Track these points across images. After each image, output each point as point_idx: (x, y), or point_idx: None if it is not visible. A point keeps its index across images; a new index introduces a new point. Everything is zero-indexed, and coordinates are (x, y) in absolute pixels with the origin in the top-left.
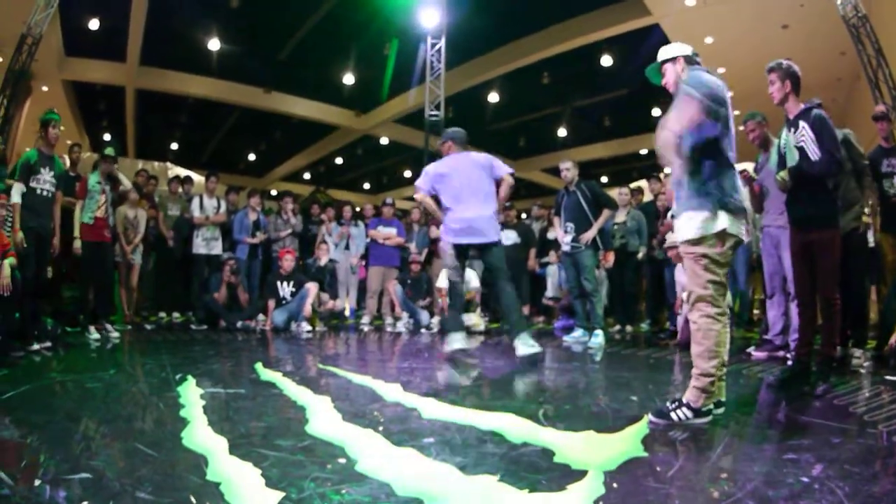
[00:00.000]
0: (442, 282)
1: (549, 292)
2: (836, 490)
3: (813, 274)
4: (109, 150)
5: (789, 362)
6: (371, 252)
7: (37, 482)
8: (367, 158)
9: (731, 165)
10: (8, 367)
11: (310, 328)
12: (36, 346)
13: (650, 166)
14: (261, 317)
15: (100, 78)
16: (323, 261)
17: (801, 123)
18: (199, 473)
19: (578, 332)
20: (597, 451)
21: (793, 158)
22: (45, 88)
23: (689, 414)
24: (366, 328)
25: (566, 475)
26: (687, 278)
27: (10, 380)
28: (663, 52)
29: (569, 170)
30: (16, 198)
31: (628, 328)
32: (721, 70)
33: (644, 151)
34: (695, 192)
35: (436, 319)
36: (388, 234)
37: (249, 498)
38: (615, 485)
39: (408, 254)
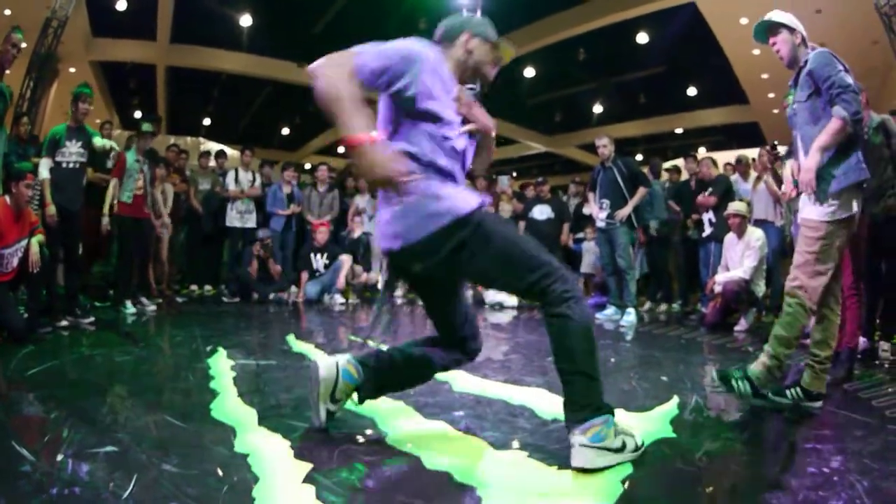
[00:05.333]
0: None
1: (584, 268)
2: (856, 484)
3: None
4: (147, 127)
5: None
6: None
7: (59, 457)
8: None
9: None
10: (34, 343)
11: (343, 300)
12: (64, 323)
13: (685, 145)
14: (293, 289)
15: (129, 57)
16: (357, 233)
17: None
18: (228, 445)
19: (611, 310)
20: None
21: None
22: (72, 70)
23: None
24: (398, 301)
25: None
26: None
27: (37, 356)
28: (780, 16)
29: (606, 146)
30: (44, 173)
31: (662, 307)
32: (756, 52)
33: (679, 130)
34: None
35: (469, 293)
36: None
37: (278, 470)
38: (643, 465)
39: None
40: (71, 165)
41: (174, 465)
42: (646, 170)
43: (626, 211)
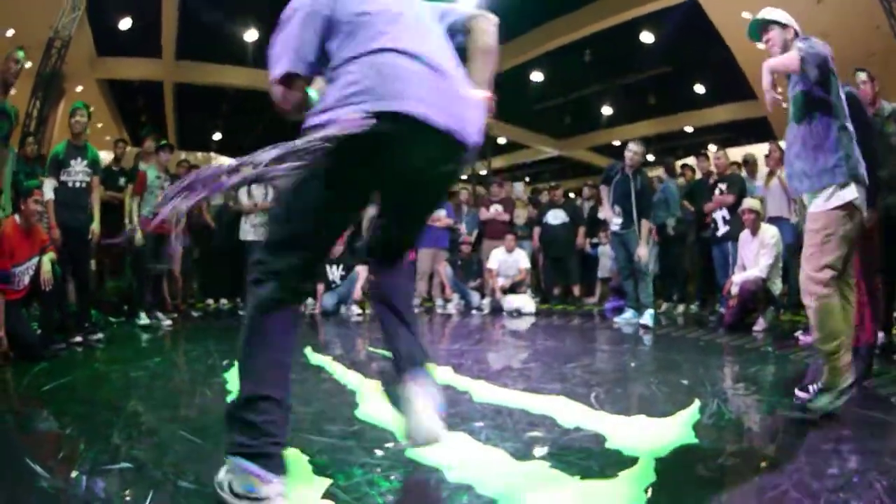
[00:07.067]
0: (492, 263)
1: (602, 272)
2: (875, 484)
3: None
4: (164, 141)
5: None
6: None
7: (74, 473)
8: None
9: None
10: (48, 359)
11: (360, 311)
12: (78, 339)
13: (695, 143)
14: (310, 301)
15: (135, 75)
16: None
17: None
18: None
19: (629, 314)
20: (648, 437)
21: None
22: (79, 89)
23: None
24: (416, 310)
25: (617, 461)
26: None
27: (51, 372)
28: (772, 13)
29: (636, 154)
30: (48, 194)
31: (679, 308)
32: (761, 46)
33: (689, 129)
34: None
35: (487, 301)
36: (437, 215)
37: (296, 485)
38: (666, 472)
39: (457, 235)
40: (77, 185)
41: (190, 482)
42: (661, 171)
43: (643, 253)
